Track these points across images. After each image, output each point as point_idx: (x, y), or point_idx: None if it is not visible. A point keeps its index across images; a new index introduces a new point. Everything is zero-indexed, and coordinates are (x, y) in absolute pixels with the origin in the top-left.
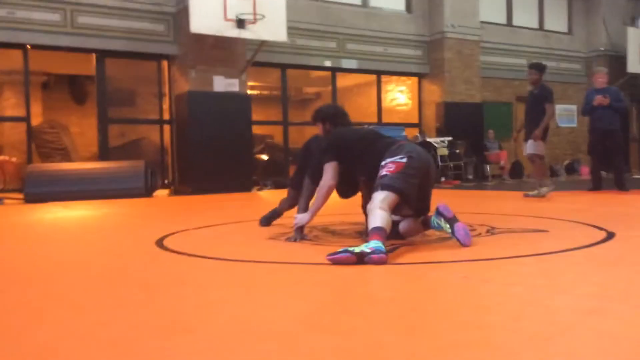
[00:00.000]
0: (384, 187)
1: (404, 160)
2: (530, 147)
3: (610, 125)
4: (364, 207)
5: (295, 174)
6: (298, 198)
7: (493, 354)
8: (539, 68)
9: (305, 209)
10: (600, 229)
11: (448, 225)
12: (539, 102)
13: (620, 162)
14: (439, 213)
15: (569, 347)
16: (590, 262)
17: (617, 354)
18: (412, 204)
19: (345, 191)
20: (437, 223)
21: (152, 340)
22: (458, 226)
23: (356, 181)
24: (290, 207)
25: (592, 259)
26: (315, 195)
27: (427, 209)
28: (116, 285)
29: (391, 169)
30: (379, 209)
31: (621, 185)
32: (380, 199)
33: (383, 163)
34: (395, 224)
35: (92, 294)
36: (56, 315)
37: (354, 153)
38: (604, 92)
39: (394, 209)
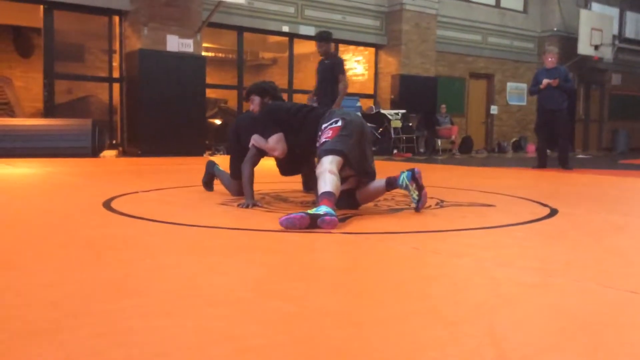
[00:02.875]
0: (328, 152)
1: (339, 123)
2: None
3: (558, 105)
4: (305, 185)
5: (233, 164)
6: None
7: (437, 322)
8: (326, 39)
9: (252, 195)
10: (545, 205)
11: (417, 193)
12: (330, 72)
13: (565, 141)
14: (414, 178)
15: (512, 318)
16: (534, 237)
17: (557, 325)
18: (354, 165)
19: (286, 169)
20: (407, 185)
21: (97, 302)
22: (424, 195)
23: (297, 159)
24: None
25: (536, 233)
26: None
27: (374, 171)
28: (62, 246)
29: (329, 135)
30: (329, 172)
31: (565, 163)
32: (328, 161)
33: (321, 128)
34: (351, 194)
35: (35, 255)
36: None
37: (293, 125)
38: (553, 72)
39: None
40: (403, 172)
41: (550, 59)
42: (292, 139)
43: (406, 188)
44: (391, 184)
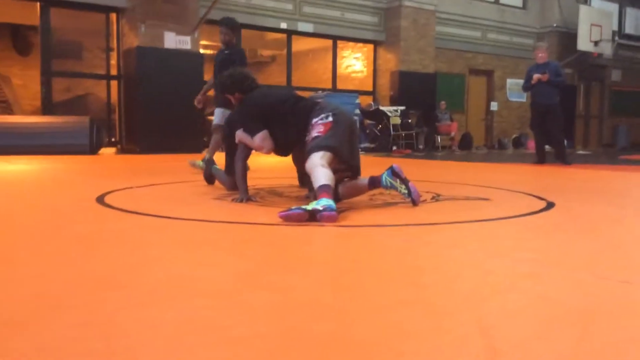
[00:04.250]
0: (320, 148)
1: (330, 119)
2: (219, 117)
3: (549, 100)
4: (301, 181)
5: (227, 159)
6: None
7: (427, 312)
8: (232, 26)
9: (246, 190)
10: (541, 199)
11: (404, 186)
12: (230, 64)
13: (560, 136)
14: (394, 173)
15: (503, 308)
16: (528, 230)
17: (548, 315)
18: (345, 159)
19: (281, 152)
20: (391, 183)
21: (81, 294)
22: (413, 187)
23: (286, 142)
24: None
25: (530, 226)
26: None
27: (359, 168)
28: (50, 239)
29: (320, 130)
30: (321, 167)
31: (562, 158)
32: (319, 156)
33: (311, 123)
34: (334, 187)
35: (23, 247)
36: None
37: (277, 114)
38: (544, 67)
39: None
40: (383, 173)
41: (540, 54)
42: (278, 132)
43: (391, 187)
44: (374, 183)
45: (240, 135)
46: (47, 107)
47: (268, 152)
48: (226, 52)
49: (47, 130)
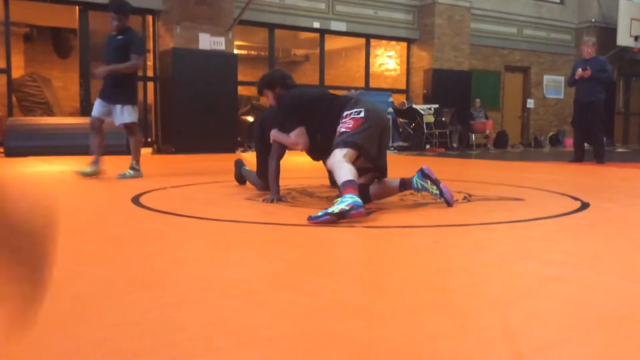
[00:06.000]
0: (346, 144)
1: (361, 115)
2: (127, 115)
3: (591, 96)
4: (332, 181)
5: (259, 161)
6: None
7: (454, 316)
8: (121, 10)
9: (277, 191)
10: (576, 199)
11: (435, 187)
12: (123, 50)
13: (599, 134)
14: (424, 175)
15: (530, 312)
16: (561, 231)
17: (576, 320)
18: (371, 158)
19: (316, 156)
20: (422, 185)
21: (114, 294)
22: (444, 187)
23: (322, 142)
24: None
25: (563, 227)
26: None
27: (385, 168)
28: (85, 240)
29: (349, 126)
30: (345, 162)
31: (600, 157)
32: (343, 153)
33: (343, 115)
34: (364, 189)
35: (61, 248)
36: None
37: (317, 112)
38: (590, 63)
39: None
40: (414, 175)
41: (587, 50)
42: (315, 129)
43: (423, 189)
44: (405, 185)
45: (274, 134)
46: (86, 108)
47: (303, 149)
48: (119, 37)
49: (86, 132)
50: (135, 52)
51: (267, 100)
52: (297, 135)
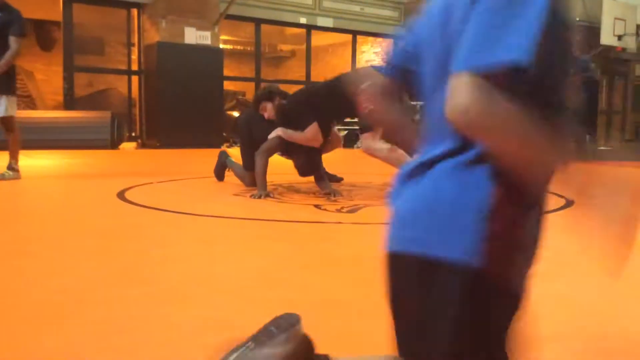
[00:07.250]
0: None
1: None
2: (2, 108)
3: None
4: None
5: (245, 155)
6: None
7: None
8: None
9: (264, 186)
10: (560, 196)
11: None
12: (7, 28)
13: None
14: None
15: None
16: (547, 228)
17: (562, 315)
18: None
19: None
20: None
21: (104, 290)
22: None
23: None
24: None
25: (549, 225)
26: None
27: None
28: (72, 234)
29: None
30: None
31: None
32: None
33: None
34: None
35: (46, 243)
36: (6, 262)
37: (321, 100)
38: None
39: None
40: None
41: None
42: (322, 114)
43: None
44: None
45: (289, 133)
46: (69, 101)
47: (318, 144)
48: None
49: (69, 125)
50: (16, 33)
51: (266, 113)
52: (314, 131)
